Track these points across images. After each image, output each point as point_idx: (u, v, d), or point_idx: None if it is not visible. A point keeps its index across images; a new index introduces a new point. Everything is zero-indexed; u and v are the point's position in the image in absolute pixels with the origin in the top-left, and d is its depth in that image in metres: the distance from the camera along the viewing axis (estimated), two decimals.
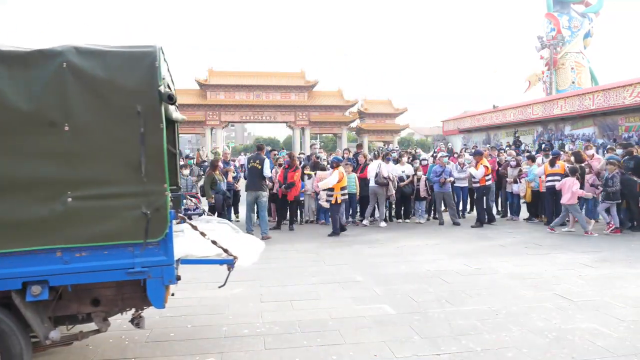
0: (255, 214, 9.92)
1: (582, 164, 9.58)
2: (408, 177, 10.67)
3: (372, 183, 10.10)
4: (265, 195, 8.98)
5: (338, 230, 9.04)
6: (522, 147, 22.64)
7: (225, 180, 10.01)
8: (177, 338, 3.94)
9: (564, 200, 8.87)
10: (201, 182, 10.32)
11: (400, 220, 10.95)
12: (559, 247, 7.67)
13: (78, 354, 3.65)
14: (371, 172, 10.17)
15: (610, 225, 8.95)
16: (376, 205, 10.39)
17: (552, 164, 9.71)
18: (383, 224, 10.26)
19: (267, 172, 9.01)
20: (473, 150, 13.49)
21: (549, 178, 9.68)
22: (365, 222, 10.37)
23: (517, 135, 27.40)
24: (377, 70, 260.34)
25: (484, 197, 10.27)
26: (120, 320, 4.34)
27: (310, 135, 45.93)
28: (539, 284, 5.48)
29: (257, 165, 8.91)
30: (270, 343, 3.81)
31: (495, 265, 6.44)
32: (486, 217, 10.31)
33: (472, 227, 9.87)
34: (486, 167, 10.11)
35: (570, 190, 8.71)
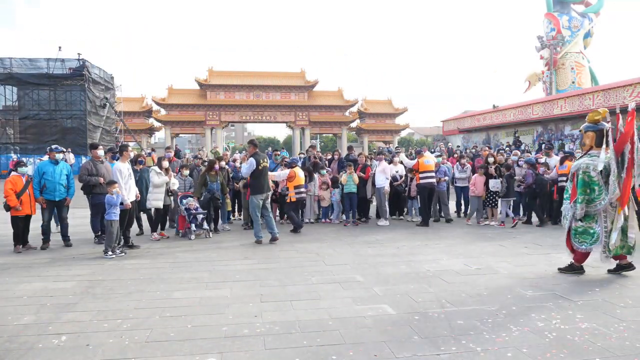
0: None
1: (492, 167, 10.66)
2: (401, 176, 11.13)
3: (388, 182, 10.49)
4: (269, 196, 8.81)
5: (298, 225, 9.43)
6: (522, 147, 22.65)
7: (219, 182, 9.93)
8: (177, 338, 3.93)
9: (472, 192, 10.44)
10: None
11: (394, 217, 11.38)
12: (559, 247, 7.64)
13: (78, 353, 3.65)
14: (388, 172, 10.55)
15: (514, 220, 10.04)
16: (378, 204, 10.66)
17: (562, 162, 9.72)
18: (384, 222, 10.43)
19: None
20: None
21: (560, 178, 9.65)
22: (385, 222, 10.45)
23: (517, 135, 27.42)
24: (377, 70, 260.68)
25: (421, 197, 10.38)
26: (120, 320, 4.35)
27: (310, 135, 45.94)
28: (539, 284, 5.48)
29: (266, 164, 8.58)
30: (270, 343, 3.81)
31: (495, 265, 6.44)
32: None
33: (417, 225, 10.23)
34: (419, 162, 10.25)
35: (476, 185, 10.31)
